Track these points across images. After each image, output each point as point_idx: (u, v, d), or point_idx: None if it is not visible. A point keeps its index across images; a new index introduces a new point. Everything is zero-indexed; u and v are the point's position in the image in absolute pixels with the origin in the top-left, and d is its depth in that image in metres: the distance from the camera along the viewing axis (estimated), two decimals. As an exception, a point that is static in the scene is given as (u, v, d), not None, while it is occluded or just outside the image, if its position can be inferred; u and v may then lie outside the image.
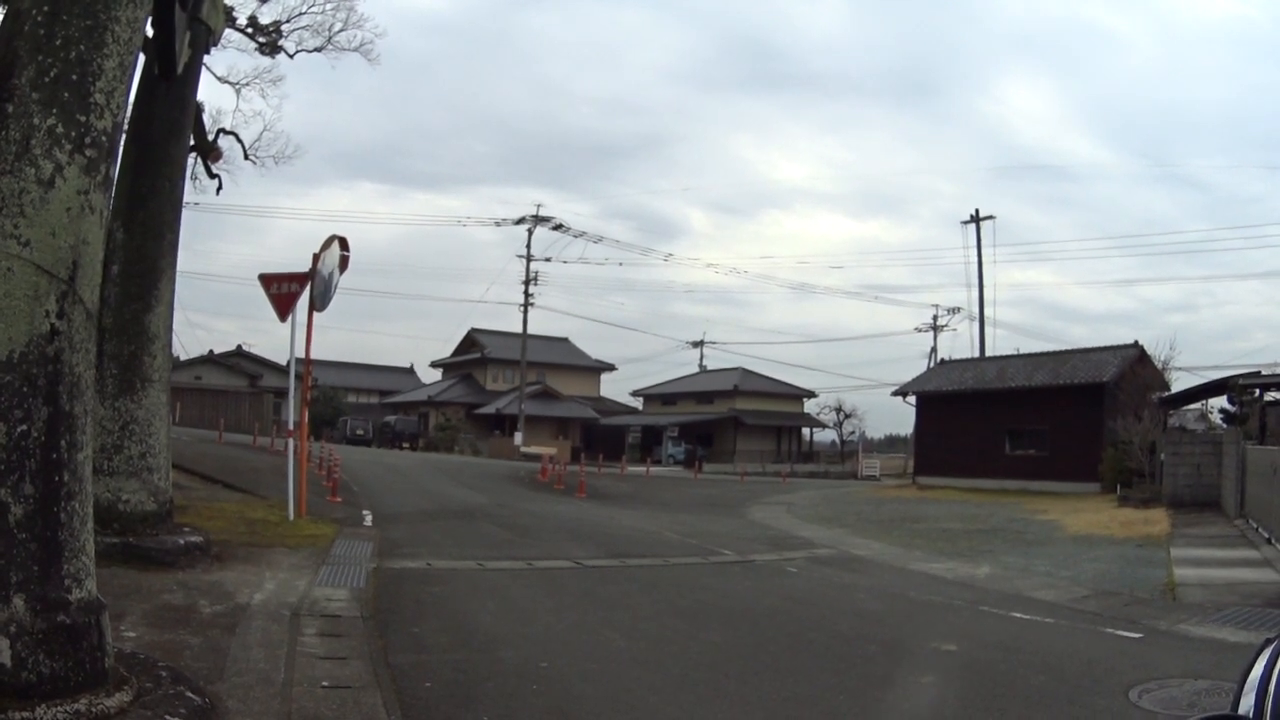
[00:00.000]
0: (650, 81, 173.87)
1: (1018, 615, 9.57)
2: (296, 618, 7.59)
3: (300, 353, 14.85)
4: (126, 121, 11.04)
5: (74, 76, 4.51)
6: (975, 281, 48.13)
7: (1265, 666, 1.75)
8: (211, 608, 7.63)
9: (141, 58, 9.91)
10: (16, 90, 4.39)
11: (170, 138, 10.05)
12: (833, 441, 69.08)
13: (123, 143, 10.78)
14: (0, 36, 4.61)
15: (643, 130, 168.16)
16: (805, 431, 68.72)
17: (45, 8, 4.50)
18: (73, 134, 4.49)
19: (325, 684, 5.85)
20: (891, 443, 76.35)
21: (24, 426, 4.23)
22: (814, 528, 19.43)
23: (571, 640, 7.82)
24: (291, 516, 13.89)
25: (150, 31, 8.18)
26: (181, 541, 9.37)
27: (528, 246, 57.65)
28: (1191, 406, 27.71)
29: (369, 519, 15.61)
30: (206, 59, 11.16)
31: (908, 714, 5.85)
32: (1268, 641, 1.84)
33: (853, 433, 67.21)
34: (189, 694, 4.82)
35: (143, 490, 9.46)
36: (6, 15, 4.70)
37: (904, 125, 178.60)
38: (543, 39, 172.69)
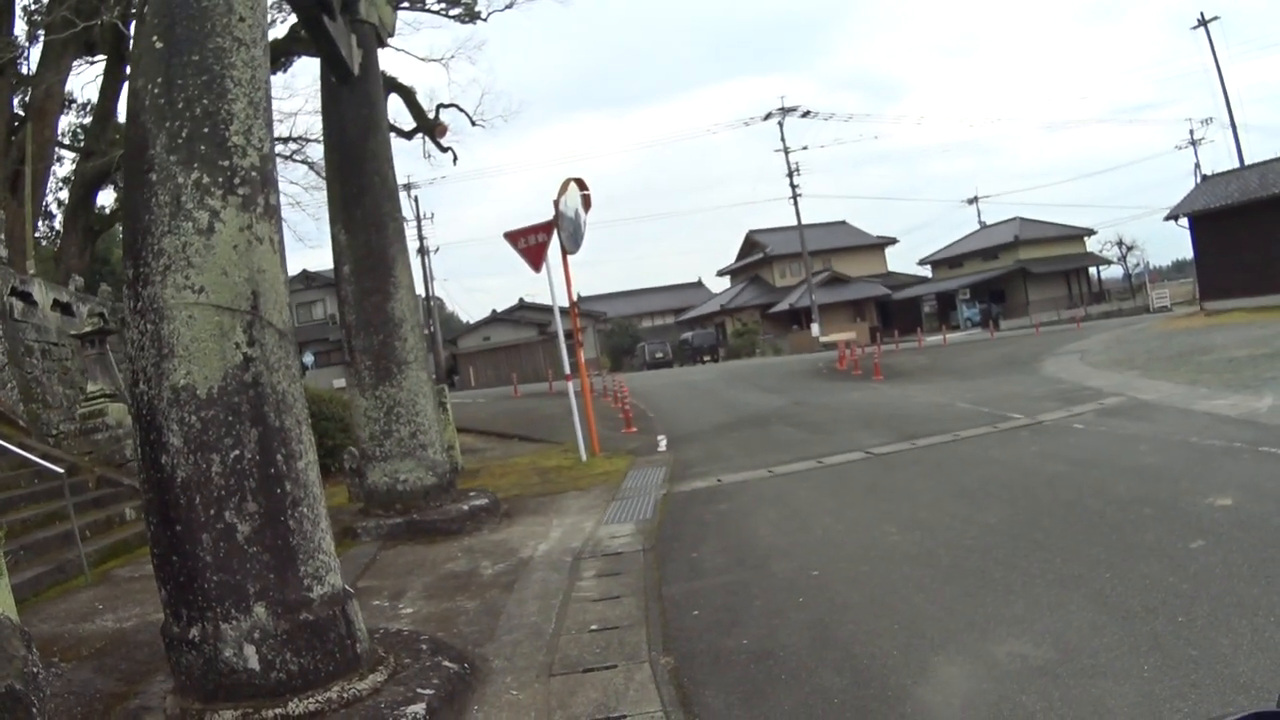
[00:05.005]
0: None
1: (1297, 455, 8.63)
2: (578, 562, 7.81)
3: (562, 299, 15.25)
4: (320, 133, 11.64)
5: (205, 129, 4.70)
6: (1219, 89, 44.17)
7: None
8: (493, 568, 8.01)
9: (318, 71, 10.41)
10: (155, 159, 4.65)
11: (368, 134, 10.30)
12: (1125, 276, 64.56)
13: (322, 152, 11.48)
14: (128, 118, 4.92)
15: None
16: (1092, 271, 64.02)
17: (159, 79, 4.72)
18: (220, 179, 4.70)
19: (594, 628, 5.97)
20: (1180, 268, 70.34)
21: (236, 451, 4.51)
22: (1104, 374, 18.12)
23: (846, 542, 7.60)
24: (584, 458, 14.40)
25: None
26: (465, 508, 9.81)
27: (782, 139, 57.09)
28: None
29: (663, 444, 15.89)
30: (404, 44, 11.60)
31: (1169, 590, 5.30)
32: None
33: (1137, 265, 63.17)
34: (446, 663, 5.05)
35: (419, 467, 10.00)
36: (129, 96, 4.99)
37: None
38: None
